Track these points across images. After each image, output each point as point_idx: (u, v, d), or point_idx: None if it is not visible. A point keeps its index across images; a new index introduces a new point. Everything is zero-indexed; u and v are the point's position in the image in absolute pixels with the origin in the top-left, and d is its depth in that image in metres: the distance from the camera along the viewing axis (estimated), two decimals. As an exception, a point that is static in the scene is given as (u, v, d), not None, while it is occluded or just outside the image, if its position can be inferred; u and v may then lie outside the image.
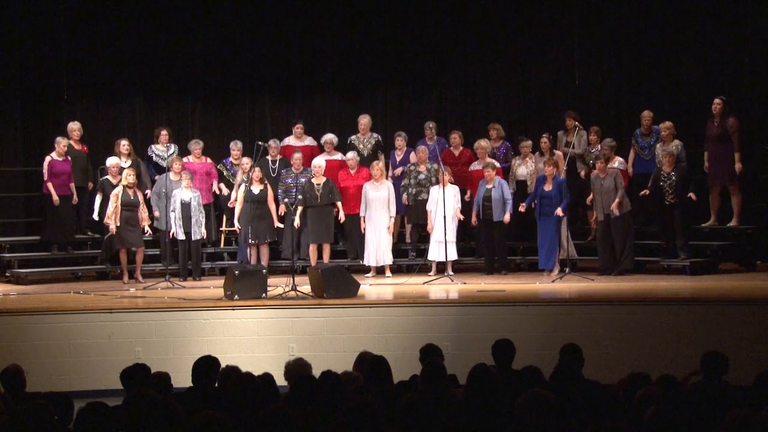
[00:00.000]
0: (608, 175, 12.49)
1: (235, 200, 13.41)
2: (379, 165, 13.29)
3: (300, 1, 15.44)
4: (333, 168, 13.61)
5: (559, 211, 12.43)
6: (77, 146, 13.81)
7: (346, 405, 4.84)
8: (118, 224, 12.70)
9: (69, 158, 13.49)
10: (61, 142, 13.40)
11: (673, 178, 12.31)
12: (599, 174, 12.55)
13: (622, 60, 14.81)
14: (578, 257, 13.14)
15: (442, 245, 12.71)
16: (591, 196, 12.76)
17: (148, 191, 13.47)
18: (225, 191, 13.79)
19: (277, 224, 13.26)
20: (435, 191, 12.97)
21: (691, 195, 12.26)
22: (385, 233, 13.15)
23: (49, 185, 13.30)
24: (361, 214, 13.24)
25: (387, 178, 13.50)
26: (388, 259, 13.21)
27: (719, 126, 12.65)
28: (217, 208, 13.98)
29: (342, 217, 13.33)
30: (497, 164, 13.27)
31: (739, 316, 10.10)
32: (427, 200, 13.14)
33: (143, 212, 12.92)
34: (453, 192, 12.88)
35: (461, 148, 13.81)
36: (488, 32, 15.29)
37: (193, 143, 13.93)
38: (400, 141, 13.96)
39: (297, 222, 13.09)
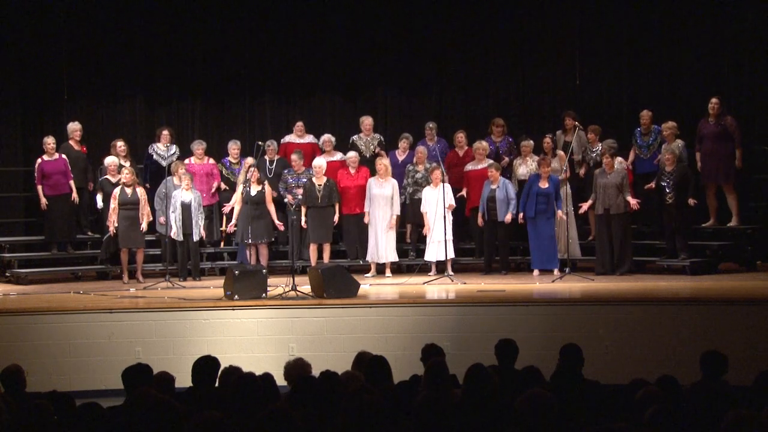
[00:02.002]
0: (615, 171, 12.48)
1: (232, 203, 13.45)
2: (383, 162, 13.28)
3: (300, 2, 15.44)
4: (333, 168, 13.62)
5: (560, 214, 12.44)
6: (77, 147, 13.81)
7: (347, 404, 4.84)
8: (116, 224, 12.72)
9: (62, 156, 13.47)
10: (48, 141, 13.38)
11: (673, 177, 12.32)
12: (605, 169, 12.56)
13: (622, 60, 14.81)
14: (578, 257, 13.11)
15: (442, 244, 12.70)
16: (588, 203, 12.71)
17: (147, 185, 13.48)
18: (224, 187, 13.82)
19: (278, 222, 13.25)
20: (428, 192, 12.96)
21: (691, 200, 12.28)
22: (388, 230, 13.14)
23: (39, 188, 13.32)
24: (366, 209, 13.24)
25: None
26: (391, 256, 13.20)
27: (717, 125, 12.67)
28: (220, 208, 13.96)
29: (336, 218, 13.32)
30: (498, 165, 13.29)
31: (739, 316, 10.10)
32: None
33: (145, 209, 12.90)
34: (446, 189, 12.81)
35: (466, 148, 13.79)
36: (488, 32, 15.30)
37: (196, 144, 13.92)
38: (404, 143, 13.95)
39: (304, 223, 13.13)
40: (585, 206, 12.73)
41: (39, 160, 13.39)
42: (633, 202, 12.39)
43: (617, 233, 12.49)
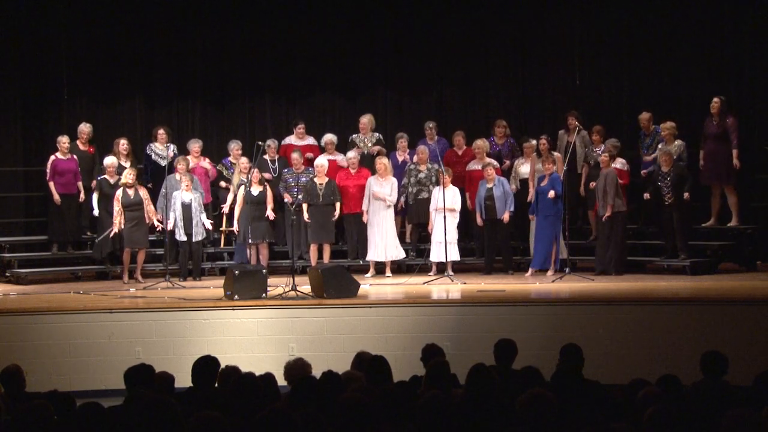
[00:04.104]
0: (606, 174, 12.49)
1: (229, 203, 13.44)
2: (383, 161, 13.27)
3: (300, 2, 15.43)
4: (334, 168, 13.62)
5: (551, 194, 12.44)
6: (83, 147, 13.83)
7: (343, 404, 4.84)
8: (122, 226, 12.72)
9: (75, 157, 13.51)
10: (62, 140, 13.41)
11: (670, 177, 12.33)
12: (603, 170, 12.57)
13: (622, 60, 14.80)
14: (578, 257, 13.15)
15: (442, 245, 12.70)
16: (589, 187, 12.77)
17: (149, 185, 13.46)
18: (224, 185, 13.82)
19: (269, 213, 13.18)
20: (436, 192, 12.97)
21: (686, 195, 12.28)
22: (390, 229, 13.11)
23: (51, 184, 13.33)
24: (364, 208, 13.22)
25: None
26: (396, 254, 13.16)
27: (718, 125, 12.68)
28: (216, 208, 13.95)
29: (336, 215, 13.31)
30: (496, 164, 13.28)
31: (739, 316, 10.11)
32: (427, 199, 13.15)
33: (150, 208, 12.89)
34: (452, 193, 12.86)
35: (464, 147, 13.78)
36: (488, 32, 15.29)
37: (192, 142, 13.91)
38: (402, 142, 13.95)
39: (306, 217, 13.13)
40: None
41: (52, 157, 13.40)
42: (607, 212, 12.36)
43: (611, 234, 12.48)
